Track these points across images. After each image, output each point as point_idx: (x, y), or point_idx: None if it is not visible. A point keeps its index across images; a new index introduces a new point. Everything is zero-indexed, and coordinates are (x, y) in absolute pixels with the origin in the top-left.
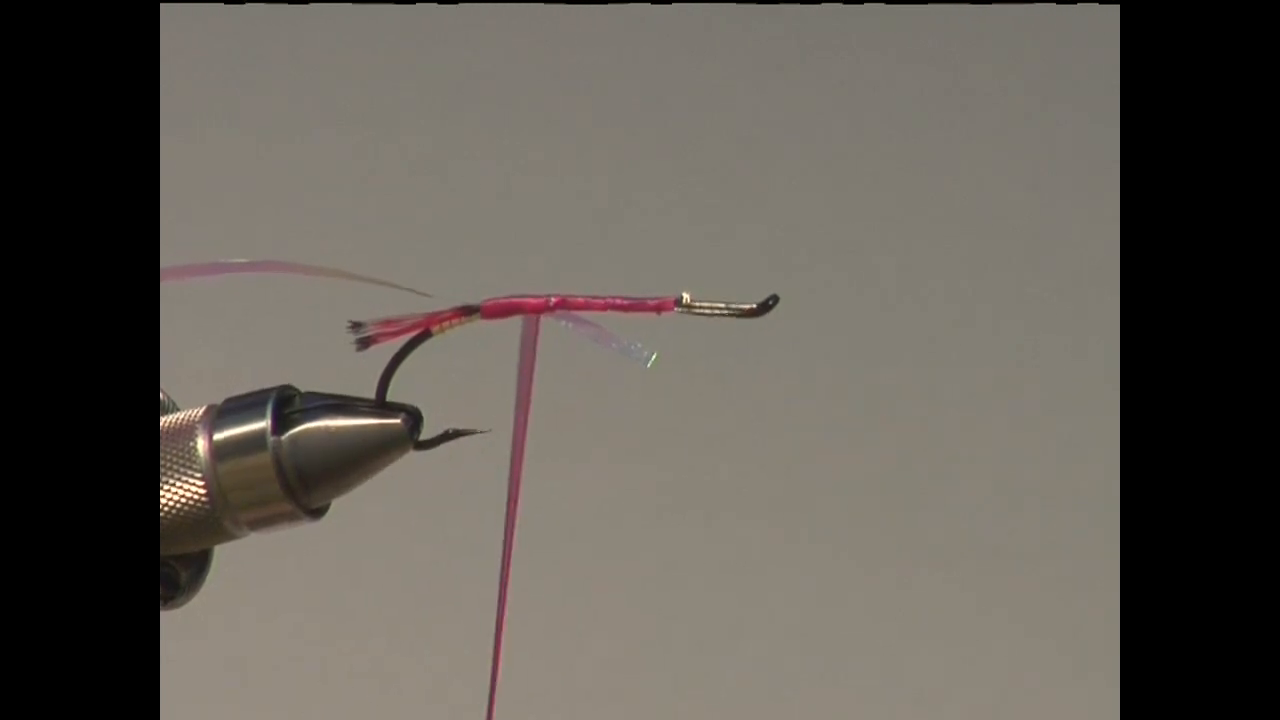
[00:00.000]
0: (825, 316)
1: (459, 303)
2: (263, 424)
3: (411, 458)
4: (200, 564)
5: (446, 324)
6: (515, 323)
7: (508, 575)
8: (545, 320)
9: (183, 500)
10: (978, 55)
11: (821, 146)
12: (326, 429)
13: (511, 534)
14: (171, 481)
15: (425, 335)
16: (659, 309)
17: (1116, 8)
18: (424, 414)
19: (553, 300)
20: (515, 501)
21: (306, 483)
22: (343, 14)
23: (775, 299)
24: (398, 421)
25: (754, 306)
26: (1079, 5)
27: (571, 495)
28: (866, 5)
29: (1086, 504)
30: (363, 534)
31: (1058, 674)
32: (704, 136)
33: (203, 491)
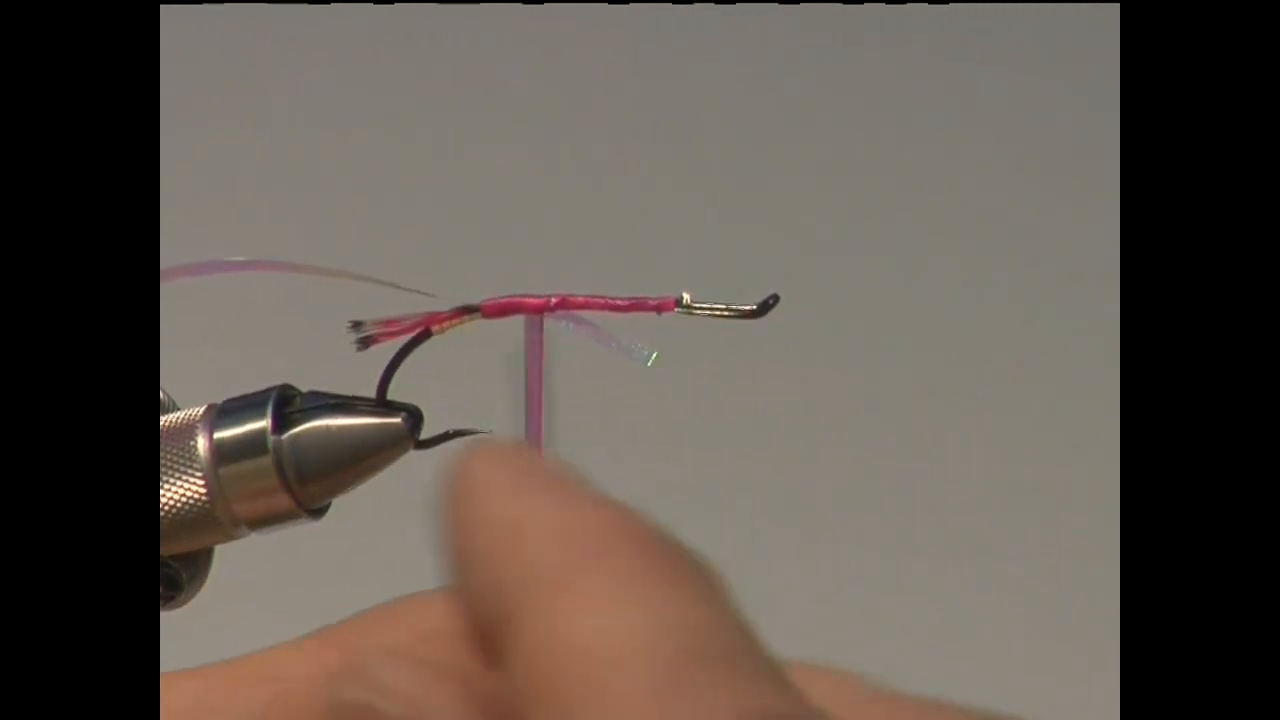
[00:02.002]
0: (825, 316)
1: (459, 303)
2: (263, 423)
3: (412, 457)
4: (200, 564)
5: (446, 324)
6: (516, 323)
7: None
8: (546, 320)
9: (183, 500)
10: (978, 55)
11: (822, 146)
12: (327, 428)
13: None
14: (172, 481)
15: (425, 335)
16: (659, 309)
17: (1116, 7)
18: (424, 414)
19: (553, 300)
20: None
21: (307, 482)
22: (343, 14)
23: (775, 299)
24: (398, 421)
25: (754, 307)
26: (1079, 5)
27: None
28: (866, 5)
29: (1086, 504)
30: (363, 534)
31: (1058, 674)
32: (704, 136)
33: (203, 491)
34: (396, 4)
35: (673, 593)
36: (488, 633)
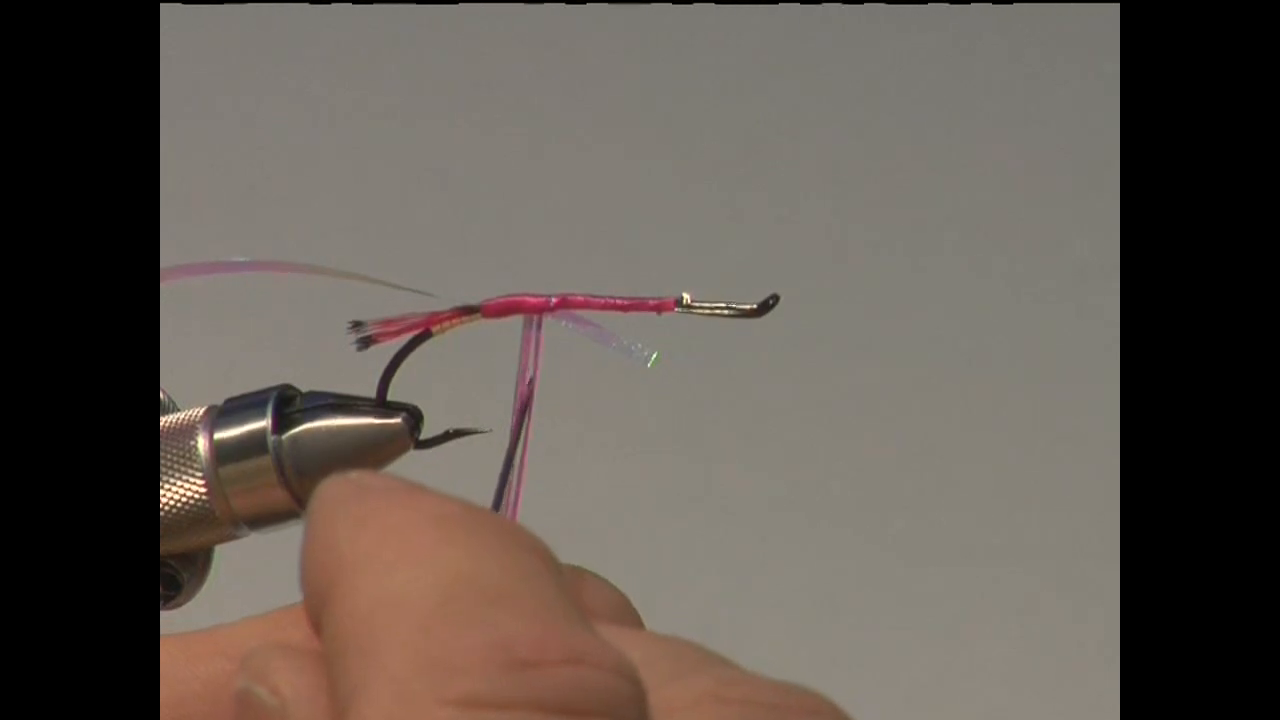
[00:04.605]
0: (825, 316)
1: (459, 303)
2: (263, 423)
3: (412, 457)
4: (201, 564)
5: (447, 324)
6: (516, 323)
7: None
8: (546, 320)
9: (183, 500)
10: (978, 55)
11: (822, 146)
12: (327, 428)
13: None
14: (172, 481)
15: (425, 335)
16: (659, 309)
17: (1116, 7)
18: (424, 414)
19: (553, 300)
20: (516, 503)
21: (307, 482)
22: (343, 14)
23: (775, 299)
24: (398, 421)
25: (754, 306)
26: (1079, 5)
27: (570, 495)
28: (866, 5)
29: (1086, 504)
30: None
31: (1058, 675)
32: (704, 136)
33: (203, 491)
34: (396, 4)
35: (451, 552)
36: (318, 631)
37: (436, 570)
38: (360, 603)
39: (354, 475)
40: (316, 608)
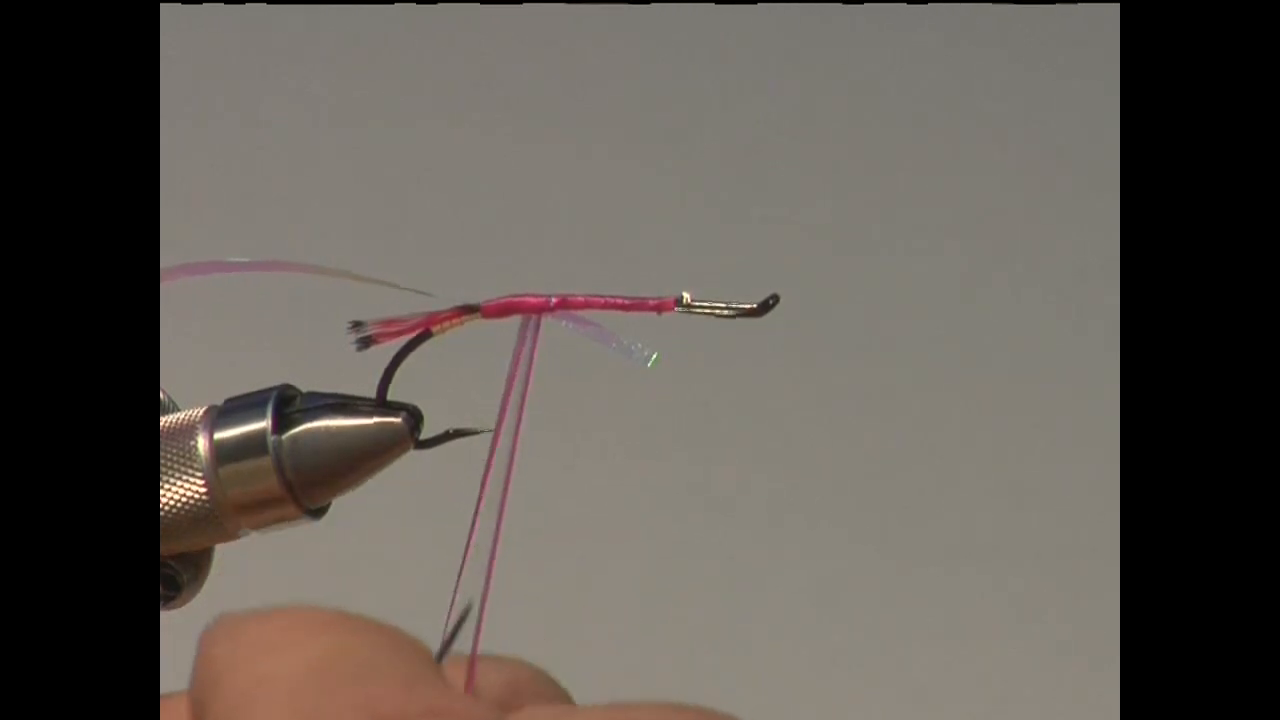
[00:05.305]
0: (826, 316)
1: (459, 303)
2: (263, 424)
3: (412, 457)
4: (200, 564)
5: (446, 324)
6: (516, 322)
7: (491, 571)
8: (545, 320)
9: (183, 500)
10: (978, 55)
11: (822, 146)
12: (327, 428)
13: (499, 530)
14: (172, 481)
15: (425, 335)
16: (659, 309)
17: (1116, 7)
18: (424, 414)
19: (553, 300)
20: (504, 500)
21: (306, 482)
22: (343, 14)
23: (775, 298)
24: (398, 421)
25: (754, 306)
26: (1079, 6)
27: (570, 495)
28: (866, 6)
29: (1087, 504)
30: (363, 534)
31: (1058, 677)
32: (704, 136)
33: (203, 491)
34: (396, 4)
35: (321, 638)
36: None
37: (308, 652)
38: (237, 689)
39: (237, 612)
40: (200, 715)
